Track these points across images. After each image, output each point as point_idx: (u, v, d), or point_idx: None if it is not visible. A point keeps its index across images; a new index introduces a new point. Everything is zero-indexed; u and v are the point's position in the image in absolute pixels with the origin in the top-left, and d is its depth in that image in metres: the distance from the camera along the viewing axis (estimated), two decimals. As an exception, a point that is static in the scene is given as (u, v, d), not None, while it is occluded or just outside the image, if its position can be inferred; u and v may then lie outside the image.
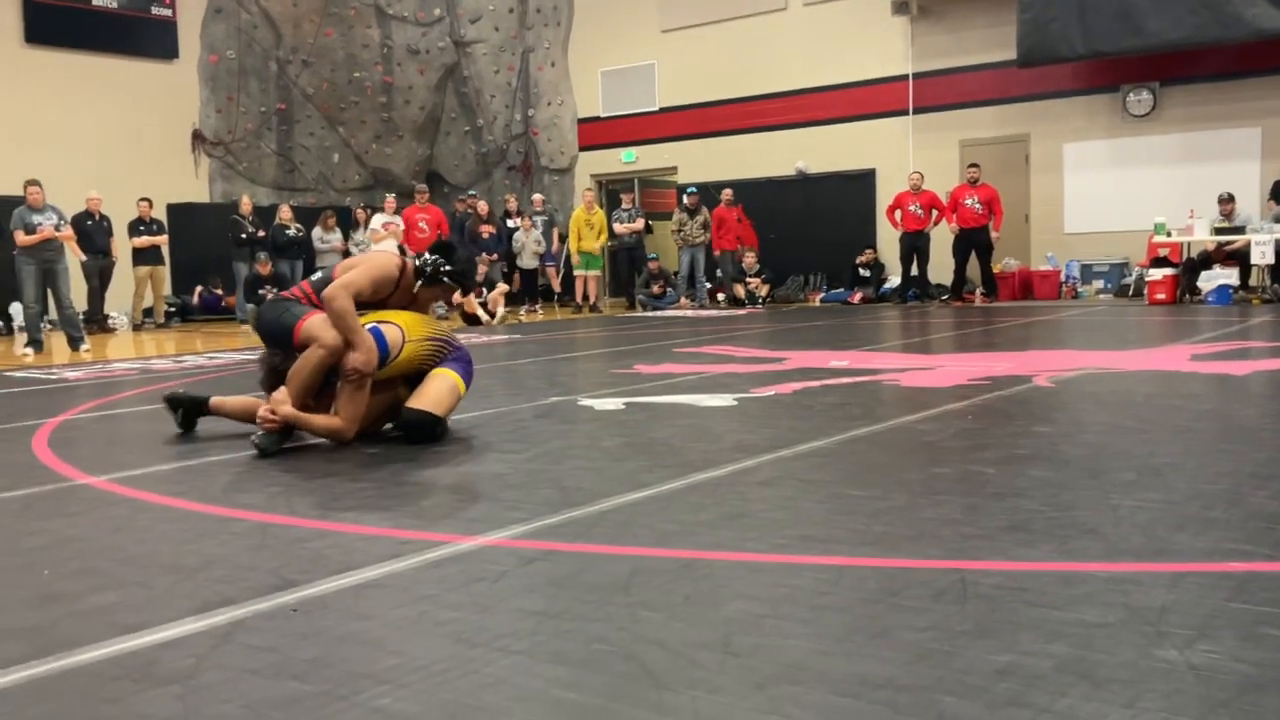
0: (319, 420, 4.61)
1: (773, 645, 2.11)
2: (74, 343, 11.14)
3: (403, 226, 15.01)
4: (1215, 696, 1.80)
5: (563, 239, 17.28)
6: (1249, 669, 1.91)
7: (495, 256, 15.77)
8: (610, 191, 19.50)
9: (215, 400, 5.11)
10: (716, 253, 16.51)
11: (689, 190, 16.70)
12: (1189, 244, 13.62)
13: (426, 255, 5.03)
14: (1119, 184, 14.98)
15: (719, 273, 16.69)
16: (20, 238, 10.96)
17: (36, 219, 11.04)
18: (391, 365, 4.69)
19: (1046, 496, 3.26)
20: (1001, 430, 4.49)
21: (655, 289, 16.55)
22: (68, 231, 11.49)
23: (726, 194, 16.54)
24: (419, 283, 4.95)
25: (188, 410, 5.12)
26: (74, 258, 12.28)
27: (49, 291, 11.50)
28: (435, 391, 4.69)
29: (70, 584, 2.71)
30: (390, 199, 16.09)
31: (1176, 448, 4.02)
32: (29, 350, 10.74)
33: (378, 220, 15.22)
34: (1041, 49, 14.38)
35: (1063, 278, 15.19)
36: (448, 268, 4.97)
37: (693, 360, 7.94)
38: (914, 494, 3.38)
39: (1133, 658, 1.98)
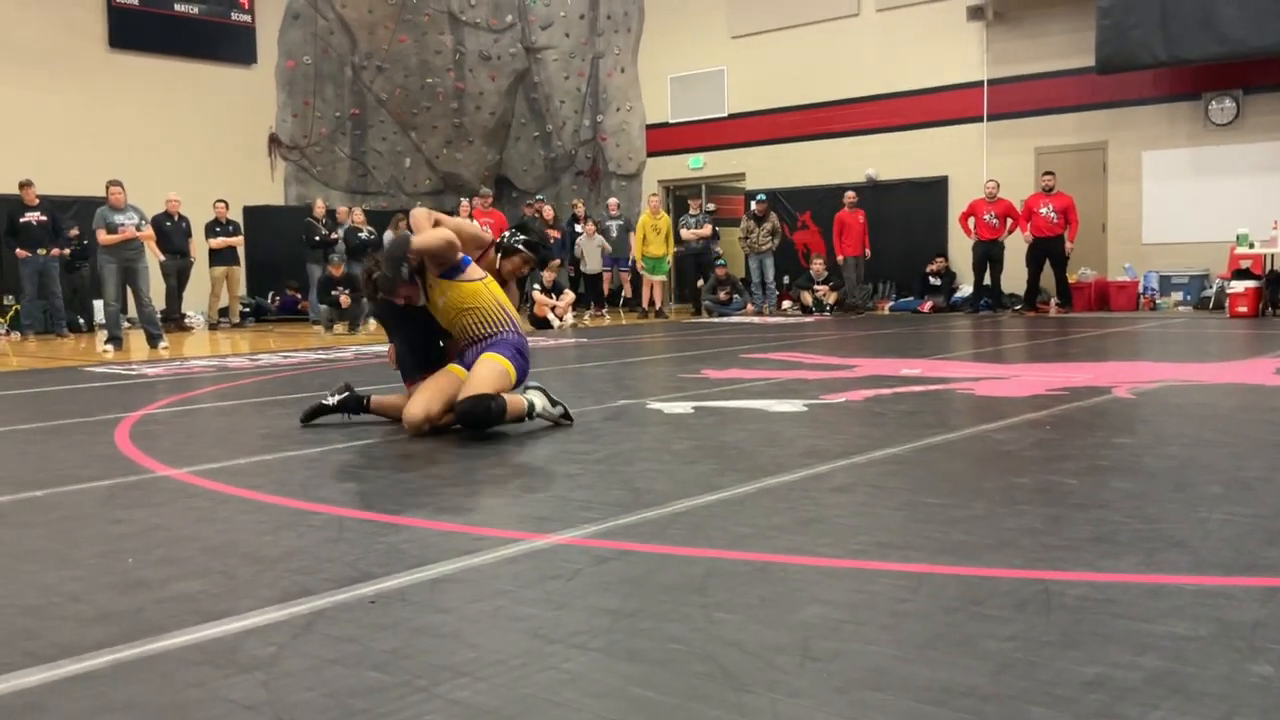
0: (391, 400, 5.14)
1: (852, 650, 2.08)
2: (153, 340, 11.40)
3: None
4: (1316, 715, 1.74)
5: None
6: (1352, 688, 1.84)
7: (560, 261, 15.84)
8: (678, 197, 19.52)
9: (375, 400, 5.34)
10: (839, 259, 16.06)
11: (757, 197, 16.63)
12: (1272, 256, 13.25)
13: (505, 232, 5.60)
14: (1200, 194, 14.63)
15: (802, 280, 16.53)
16: (103, 237, 11.25)
17: (118, 219, 11.32)
18: (457, 298, 4.93)
19: (1131, 508, 3.18)
20: (1082, 441, 4.40)
21: (722, 295, 16.51)
22: (148, 231, 11.76)
23: (850, 196, 16.05)
24: (499, 256, 5.39)
25: (349, 408, 5.32)
26: (153, 258, 12.57)
27: (129, 290, 11.79)
28: (481, 377, 4.80)
29: (154, 571, 2.76)
30: (464, 203, 16.23)
31: (1264, 462, 3.91)
32: (109, 347, 11.01)
33: None
34: (1121, 55, 14.10)
35: (1140, 289, 14.86)
36: (522, 237, 5.46)
37: (761, 366, 7.89)
38: (993, 503, 3.32)
39: (1226, 672, 1.92)
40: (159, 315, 12.21)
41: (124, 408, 6.27)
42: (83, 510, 3.60)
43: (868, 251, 16.01)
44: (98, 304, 15.38)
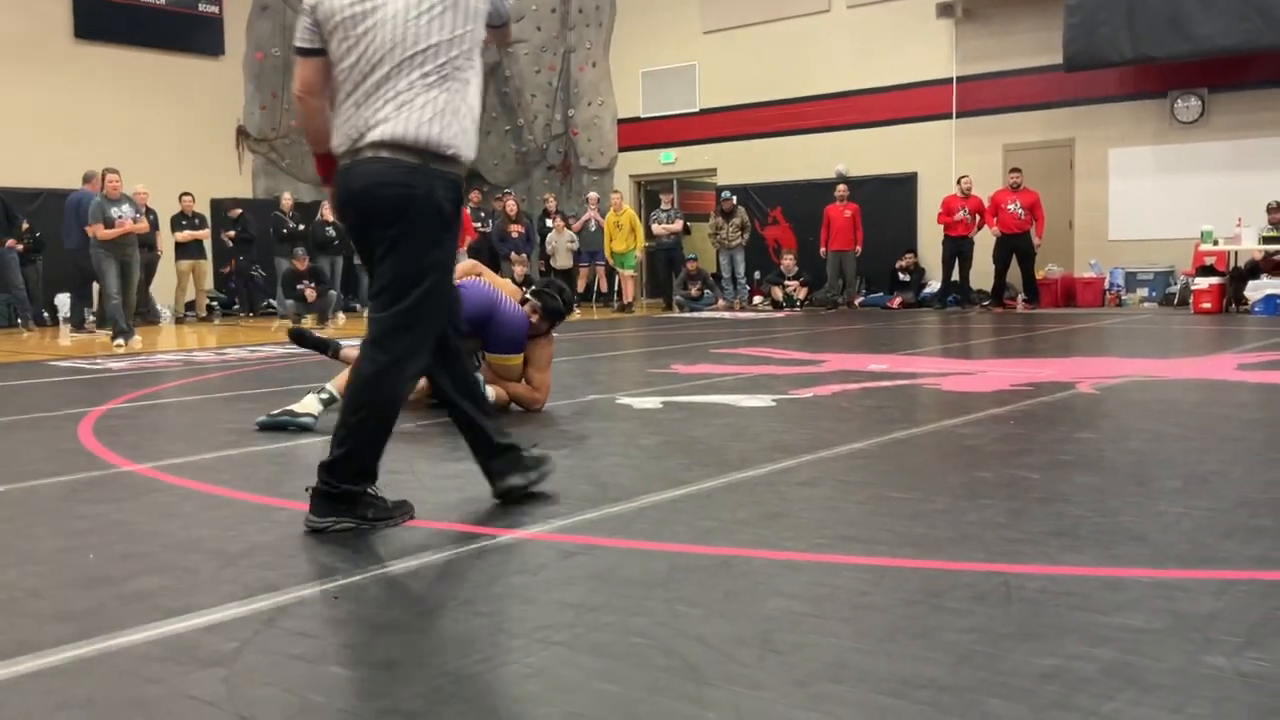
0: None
1: (813, 643, 2.10)
2: (124, 335, 11.27)
3: None
4: (1265, 704, 1.77)
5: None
6: (1301, 678, 1.87)
7: (524, 256, 15.76)
8: (649, 192, 19.51)
9: (345, 352, 5.60)
10: (822, 251, 15.88)
11: (723, 195, 16.64)
12: (1236, 253, 13.41)
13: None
14: (1165, 191, 14.78)
15: (773, 275, 16.53)
16: (100, 232, 11.02)
17: (115, 212, 11.08)
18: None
19: (1091, 502, 3.22)
20: (1045, 436, 4.44)
21: (693, 290, 16.53)
22: (144, 224, 11.56)
23: (841, 189, 15.84)
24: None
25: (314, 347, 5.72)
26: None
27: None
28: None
29: (115, 568, 2.74)
30: None
31: (1223, 456, 3.96)
32: (120, 341, 10.83)
33: None
34: (1088, 53, 14.21)
35: (1106, 285, 15.01)
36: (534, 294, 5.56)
37: (730, 361, 7.91)
38: (956, 497, 3.35)
39: (1180, 664, 1.95)
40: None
41: (88, 402, 6.21)
42: (44, 506, 3.57)
43: (859, 247, 15.75)
44: (61, 298, 15.24)
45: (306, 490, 3.05)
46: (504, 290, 5.39)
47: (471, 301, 5.01)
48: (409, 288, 2.98)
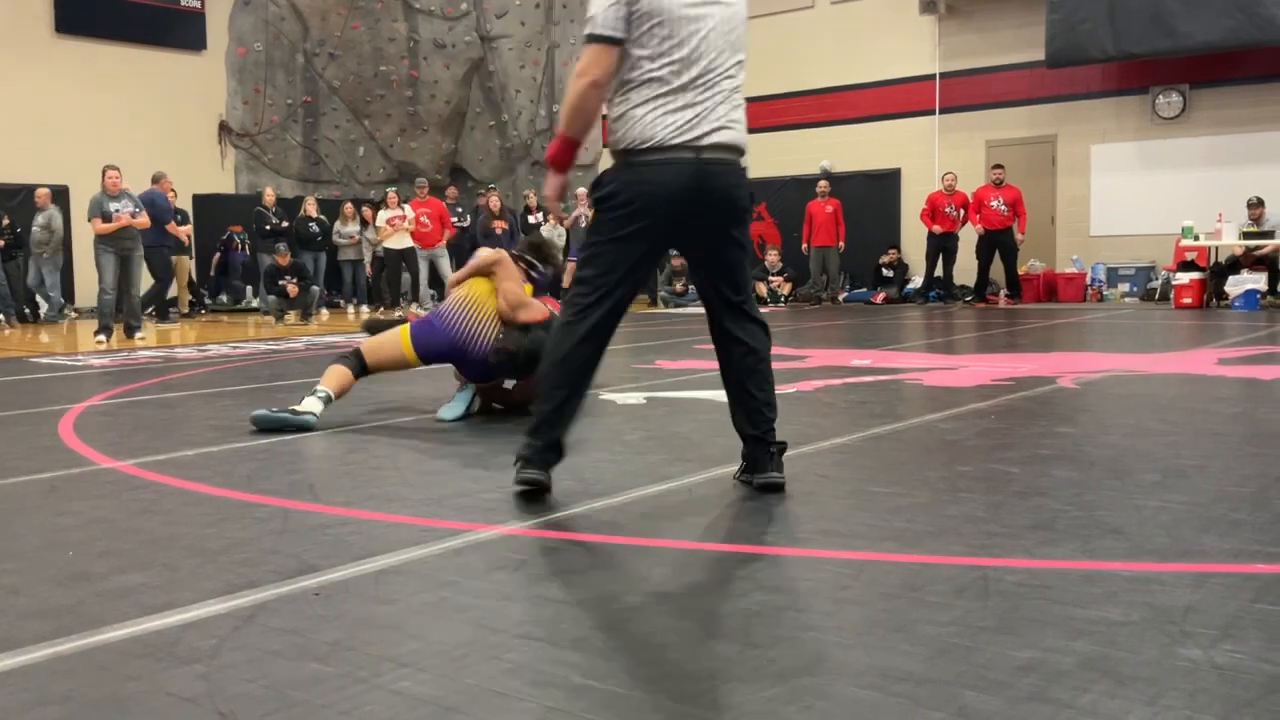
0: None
1: (793, 638, 2.10)
2: (131, 330, 11.24)
3: (411, 216, 15.19)
4: (1239, 696, 1.78)
5: None
6: (1274, 669, 1.89)
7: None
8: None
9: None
10: (805, 248, 15.90)
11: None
12: (1217, 248, 13.50)
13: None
14: (1146, 187, 14.87)
15: (757, 271, 16.54)
16: (98, 225, 10.97)
17: (113, 206, 11.03)
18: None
19: (1070, 496, 3.24)
20: (1025, 430, 4.47)
21: (677, 286, 16.54)
22: (143, 218, 11.52)
23: (822, 185, 15.85)
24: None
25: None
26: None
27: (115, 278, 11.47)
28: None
29: (95, 564, 2.73)
30: (392, 193, 16.03)
31: (1202, 450, 3.99)
32: (102, 337, 10.76)
33: (382, 217, 15.37)
34: (1071, 50, 14.28)
35: (1088, 280, 15.09)
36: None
37: (714, 357, 7.90)
38: (936, 491, 3.36)
39: (1156, 656, 1.96)
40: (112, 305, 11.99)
41: (69, 399, 6.18)
42: (24, 503, 3.55)
43: (841, 243, 15.76)
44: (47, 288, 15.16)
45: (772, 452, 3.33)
46: (506, 283, 5.16)
47: (439, 342, 5.04)
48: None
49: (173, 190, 15.21)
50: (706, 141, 3.16)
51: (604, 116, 3.32)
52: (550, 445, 3.28)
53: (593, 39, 3.15)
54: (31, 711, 1.84)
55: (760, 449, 3.37)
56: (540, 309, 5.05)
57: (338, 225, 16.13)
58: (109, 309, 11.07)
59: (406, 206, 15.58)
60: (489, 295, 5.13)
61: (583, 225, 16.75)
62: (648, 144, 3.15)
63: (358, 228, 16.25)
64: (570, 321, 3.27)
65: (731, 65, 3.24)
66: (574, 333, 3.26)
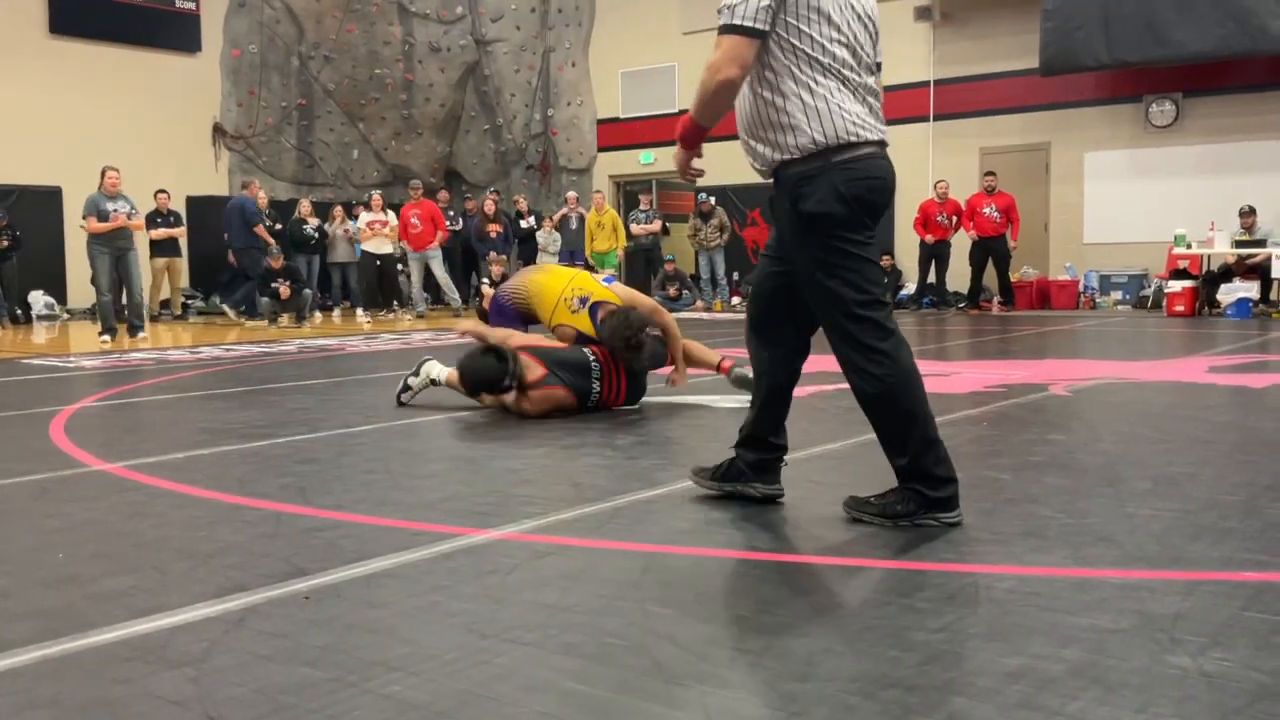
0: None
1: (783, 644, 2.11)
2: (134, 330, 11.23)
3: (394, 224, 15.20)
4: (1228, 704, 1.79)
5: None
6: (1262, 677, 1.89)
7: (504, 257, 15.74)
8: (629, 193, 19.50)
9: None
10: None
11: (700, 197, 16.65)
12: (1209, 256, 13.54)
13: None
14: (1139, 195, 14.91)
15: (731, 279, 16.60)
16: (93, 225, 10.94)
17: (110, 206, 11.01)
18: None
19: (1061, 503, 3.25)
20: (1017, 437, 4.48)
21: (671, 291, 16.54)
22: (139, 220, 11.50)
23: None
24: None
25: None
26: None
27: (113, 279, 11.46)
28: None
29: (85, 567, 2.73)
30: (376, 196, 16.00)
31: (1193, 458, 4.00)
32: (106, 338, 10.75)
33: (363, 219, 15.37)
34: (1065, 58, 14.32)
35: (1081, 288, 15.12)
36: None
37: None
38: (927, 498, 3.36)
39: (1145, 664, 1.97)
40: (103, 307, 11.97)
41: (60, 401, 6.17)
42: (14, 505, 3.54)
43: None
44: (34, 295, 15.12)
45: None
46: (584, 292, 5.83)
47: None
48: None
49: (166, 193, 15.21)
50: (876, 138, 3.08)
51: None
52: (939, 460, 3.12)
53: (731, 29, 2.95)
54: (20, 714, 1.83)
55: (775, 457, 3.34)
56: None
57: (329, 227, 16.15)
58: (109, 310, 11.07)
59: (390, 212, 15.59)
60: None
61: (573, 226, 16.77)
62: (840, 137, 3.00)
63: (346, 228, 16.29)
64: (900, 343, 3.26)
65: (878, 64, 3.21)
66: (907, 348, 3.28)
